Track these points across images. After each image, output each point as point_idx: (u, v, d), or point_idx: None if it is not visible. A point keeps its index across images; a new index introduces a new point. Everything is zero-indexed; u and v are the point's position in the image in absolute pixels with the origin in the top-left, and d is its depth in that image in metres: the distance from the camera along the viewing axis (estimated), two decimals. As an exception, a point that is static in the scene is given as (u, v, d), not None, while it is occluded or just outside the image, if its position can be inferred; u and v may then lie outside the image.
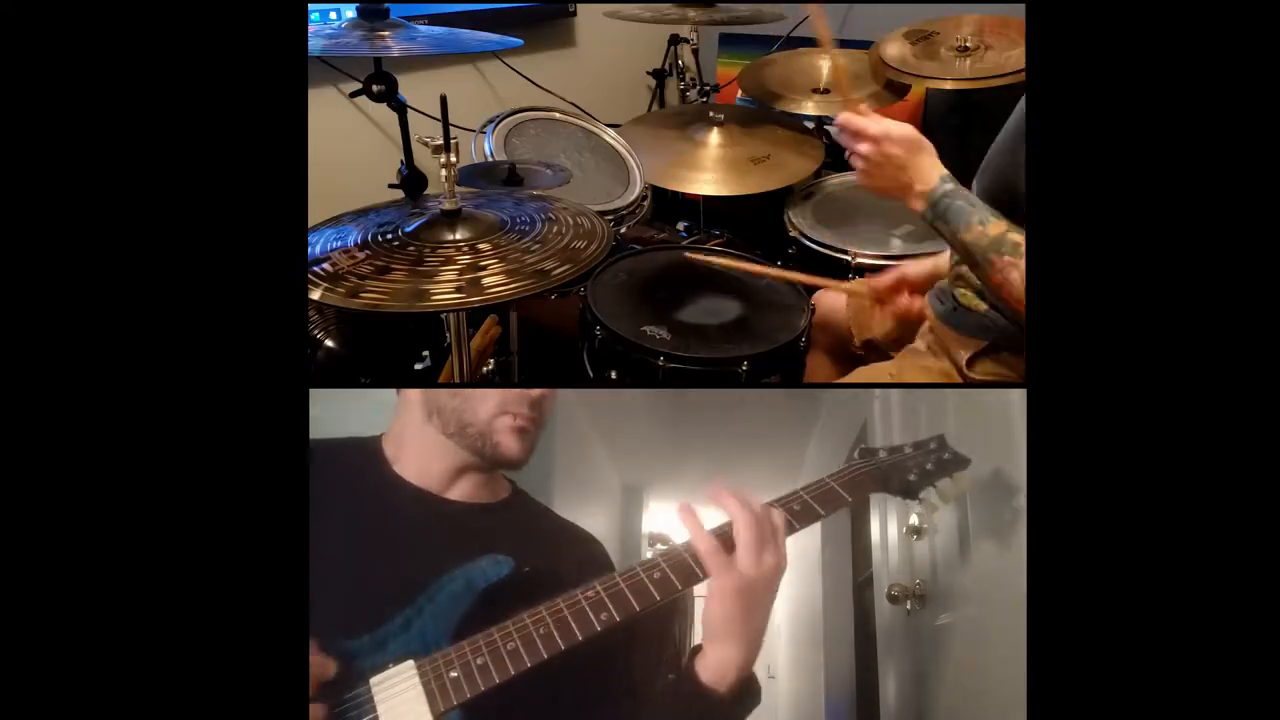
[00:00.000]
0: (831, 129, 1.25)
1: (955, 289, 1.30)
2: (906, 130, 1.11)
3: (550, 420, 0.92)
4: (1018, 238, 1.05)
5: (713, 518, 0.83)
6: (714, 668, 0.75)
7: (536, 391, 0.87)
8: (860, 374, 1.48)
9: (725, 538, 0.77)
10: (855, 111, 1.13)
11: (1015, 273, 1.04)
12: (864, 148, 1.11)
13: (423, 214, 1.14)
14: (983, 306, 1.25)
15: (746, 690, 0.77)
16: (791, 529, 0.82)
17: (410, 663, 0.71)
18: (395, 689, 0.70)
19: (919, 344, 1.41)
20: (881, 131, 1.10)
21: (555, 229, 1.14)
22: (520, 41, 1.45)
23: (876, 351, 1.56)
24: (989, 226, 1.07)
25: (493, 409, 0.86)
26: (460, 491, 0.88)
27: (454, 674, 0.70)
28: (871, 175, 1.13)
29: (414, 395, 0.90)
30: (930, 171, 1.11)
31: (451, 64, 2.17)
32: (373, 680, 0.71)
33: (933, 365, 1.34)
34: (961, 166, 1.20)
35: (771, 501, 0.85)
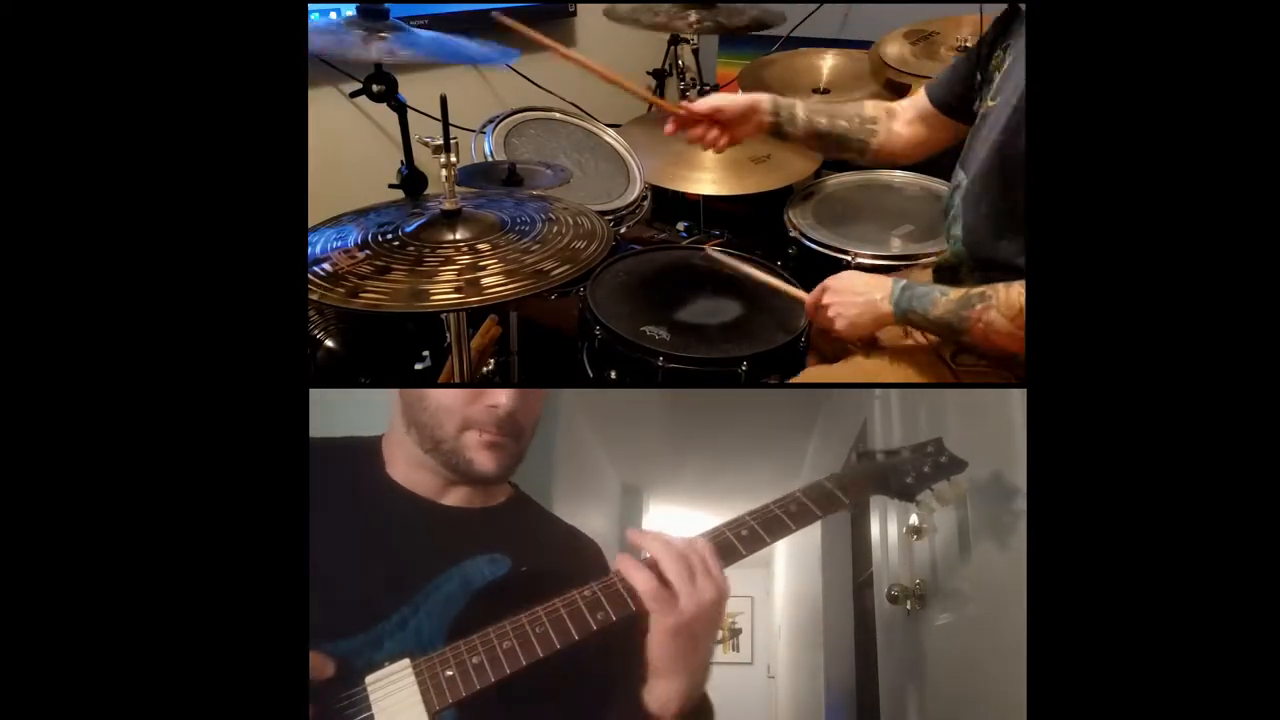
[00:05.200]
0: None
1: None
2: (838, 276, 1.25)
3: (537, 428, 0.89)
4: (979, 289, 1.10)
5: (706, 521, 0.82)
6: (660, 699, 0.75)
7: (505, 405, 0.83)
8: (855, 365, 1.47)
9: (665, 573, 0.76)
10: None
11: (991, 312, 1.07)
12: (829, 309, 1.22)
13: (422, 214, 1.14)
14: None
15: (696, 713, 0.77)
16: (736, 554, 0.81)
17: (406, 661, 0.72)
18: (391, 688, 0.70)
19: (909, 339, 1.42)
20: (826, 287, 1.24)
21: (555, 229, 1.14)
22: (518, 54, 1.46)
23: (873, 348, 1.57)
24: (950, 294, 1.12)
25: (459, 424, 0.83)
26: (455, 499, 0.87)
27: (449, 673, 0.70)
28: (845, 322, 1.21)
29: (397, 403, 0.88)
30: (879, 285, 1.19)
31: (451, 64, 2.17)
32: (368, 679, 0.71)
33: (924, 359, 1.35)
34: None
35: (768, 504, 0.85)
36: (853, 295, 1.21)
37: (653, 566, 0.75)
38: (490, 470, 0.84)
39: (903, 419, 1.61)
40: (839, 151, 1.52)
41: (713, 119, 1.42)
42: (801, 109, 1.46)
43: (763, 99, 1.45)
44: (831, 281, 1.25)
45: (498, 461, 0.84)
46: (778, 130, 1.46)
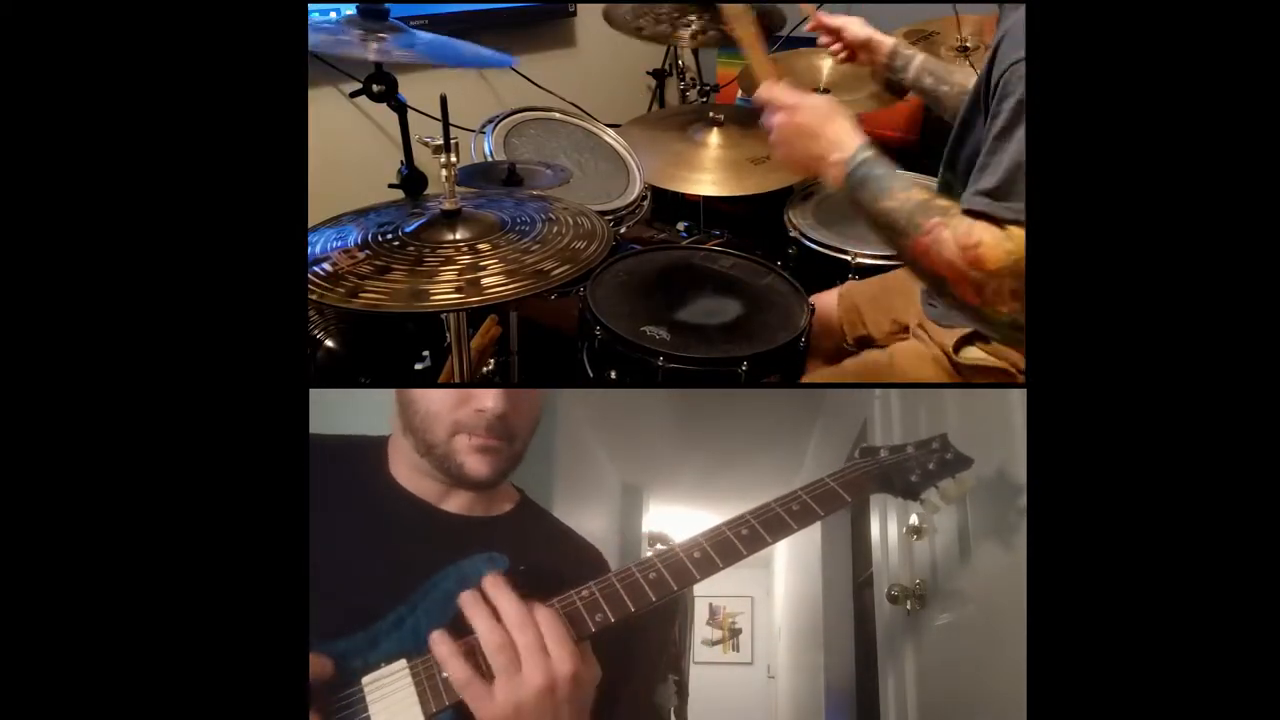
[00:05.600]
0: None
1: None
2: (819, 100, 1.09)
3: (535, 429, 0.88)
4: (945, 202, 0.98)
5: (705, 520, 0.82)
6: None
7: (492, 408, 0.81)
8: (856, 364, 1.48)
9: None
10: (772, 85, 1.12)
11: (945, 231, 0.95)
12: (777, 118, 1.08)
13: (422, 214, 1.14)
14: None
15: None
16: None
17: (402, 662, 0.71)
18: (387, 689, 0.70)
19: (909, 338, 1.42)
20: (794, 101, 1.08)
21: (555, 229, 1.14)
22: (515, 59, 1.46)
23: (869, 348, 1.57)
24: (913, 192, 0.99)
25: (448, 429, 0.82)
26: (456, 504, 0.87)
27: (446, 674, 0.70)
28: (784, 145, 1.09)
29: (395, 406, 0.87)
30: (847, 139, 1.04)
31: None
32: (365, 680, 0.71)
33: (924, 352, 1.35)
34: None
35: (769, 503, 0.84)
36: (809, 133, 1.07)
37: (475, 647, 0.69)
38: (483, 474, 0.83)
39: (903, 419, 1.61)
40: (935, 109, 1.59)
41: (839, 34, 1.60)
42: (916, 65, 1.55)
43: (885, 43, 1.57)
44: (801, 102, 1.09)
45: (490, 465, 0.83)
46: (889, 73, 1.59)
